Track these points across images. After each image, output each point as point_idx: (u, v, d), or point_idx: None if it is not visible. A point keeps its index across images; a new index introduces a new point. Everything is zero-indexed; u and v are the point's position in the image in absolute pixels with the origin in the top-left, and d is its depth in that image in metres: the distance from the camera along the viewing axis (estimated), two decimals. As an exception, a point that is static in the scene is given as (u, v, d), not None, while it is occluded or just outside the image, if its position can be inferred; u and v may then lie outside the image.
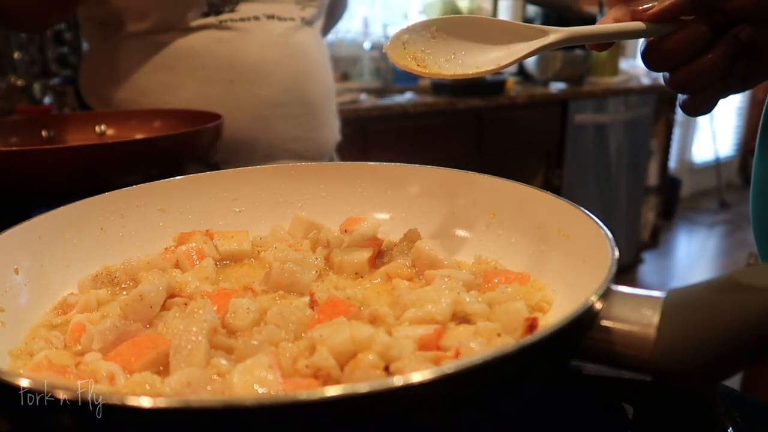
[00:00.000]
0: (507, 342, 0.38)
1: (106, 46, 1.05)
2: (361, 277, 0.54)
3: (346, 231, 0.58)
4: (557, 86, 2.78)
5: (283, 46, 1.05)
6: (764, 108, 0.63)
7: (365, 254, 0.54)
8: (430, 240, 0.55)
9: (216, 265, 0.55)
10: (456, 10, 2.97)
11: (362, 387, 0.25)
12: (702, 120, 4.59)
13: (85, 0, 0.97)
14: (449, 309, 0.43)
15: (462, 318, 0.43)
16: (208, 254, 0.55)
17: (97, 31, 1.07)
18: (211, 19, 1.00)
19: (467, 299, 0.43)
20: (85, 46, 1.72)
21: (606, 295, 0.34)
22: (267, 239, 0.60)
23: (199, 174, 0.62)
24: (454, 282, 0.47)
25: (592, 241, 0.42)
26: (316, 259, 0.53)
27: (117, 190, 0.57)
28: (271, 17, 1.04)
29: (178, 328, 0.38)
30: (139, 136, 0.95)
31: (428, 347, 0.38)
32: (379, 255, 0.56)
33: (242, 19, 1.02)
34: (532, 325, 0.39)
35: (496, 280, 0.48)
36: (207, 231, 0.59)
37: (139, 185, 0.59)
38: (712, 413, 0.38)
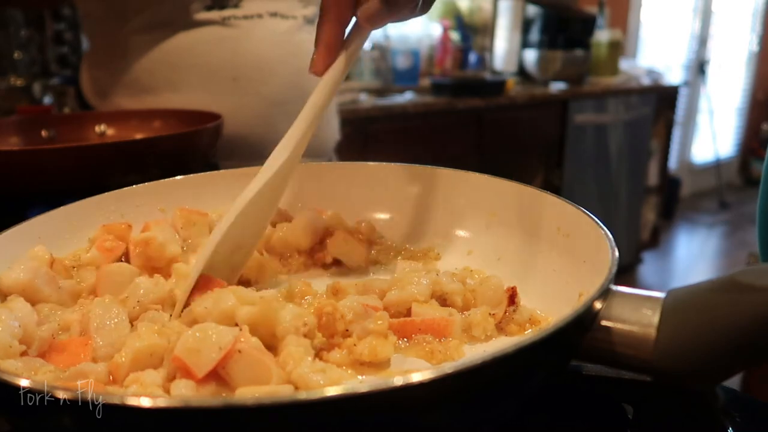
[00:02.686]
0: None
1: (108, 42, 1.05)
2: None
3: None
4: (557, 86, 2.78)
5: (287, 44, 1.05)
6: None
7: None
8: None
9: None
10: (456, 10, 2.97)
11: (362, 387, 0.25)
12: (702, 120, 4.59)
13: None
14: (428, 289, 0.46)
15: (439, 297, 0.47)
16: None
17: (99, 28, 1.07)
18: (215, 15, 1.00)
19: (444, 279, 0.47)
20: (84, 46, 1.72)
21: (606, 295, 0.34)
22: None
23: (199, 174, 0.62)
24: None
25: (592, 241, 0.42)
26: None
27: (117, 190, 0.57)
28: (274, 15, 1.04)
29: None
30: (139, 136, 0.95)
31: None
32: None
33: (245, 17, 1.02)
34: (512, 295, 0.45)
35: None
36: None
37: (139, 185, 0.59)
38: (712, 413, 0.38)
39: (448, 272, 0.50)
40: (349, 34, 0.50)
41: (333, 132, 1.20)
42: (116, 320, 0.41)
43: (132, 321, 0.43)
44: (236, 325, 0.37)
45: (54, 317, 0.43)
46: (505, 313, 0.45)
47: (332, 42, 0.49)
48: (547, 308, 0.46)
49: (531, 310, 0.45)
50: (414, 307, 0.45)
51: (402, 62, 2.61)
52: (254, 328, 0.37)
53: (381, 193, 0.64)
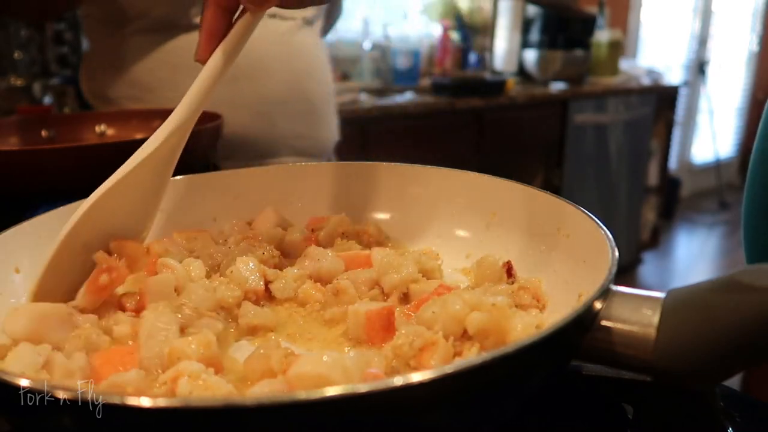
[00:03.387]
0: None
1: (109, 42, 1.05)
2: None
3: (313, 230, 0.58)
4: (557, 86, 2.78)
5: (286, 44, 1.05)
6: (765, 109, 0.63)
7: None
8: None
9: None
10: (456, 10, 2.97)
11: (362, 387, 0.25)
12: (702, 120, 4.59)
13: None
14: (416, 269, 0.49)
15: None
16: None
17: (100, 28, 1.07)
18: None
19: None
20: (85, 45, 1.72)
21: (606, 295, 0.34)
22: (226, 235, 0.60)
23: (199, 174, 0.62)
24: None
25: (592, 241, 0.42)
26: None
27: (117, 190, 0.57)
28: (273, 16, 1.04)
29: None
30: (139, 136, 0.95)
31: None
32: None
33: None
34: (509, 269, 0.48)
35: None
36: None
37: (139, 185, 0.59)
38: (712, 413, 0.38)
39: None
40: (236, 19, 0.48)
41: (332, 132, 1.20)
42: (166, 331, 0.40)
43: (185, 327, 0.42)
44: (465, 330, 0.37)
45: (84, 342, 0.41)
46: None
47: (214, 28, 0.47)
48: (547, 308, 0.46)
49: (528, 279, 0.48)
50: (412, 288, 0.47)
51: (402, 62, 2.61)
52: (484, 336, 0.37)
53: (381, 193, 0.64)
